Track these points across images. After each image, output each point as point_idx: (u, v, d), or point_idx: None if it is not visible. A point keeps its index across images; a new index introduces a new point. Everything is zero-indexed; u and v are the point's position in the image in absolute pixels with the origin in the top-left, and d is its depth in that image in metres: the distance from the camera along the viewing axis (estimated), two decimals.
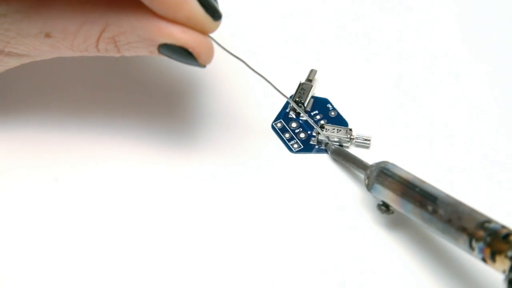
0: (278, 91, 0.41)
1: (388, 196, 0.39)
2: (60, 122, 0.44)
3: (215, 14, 0.37)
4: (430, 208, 0.36)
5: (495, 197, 0.42)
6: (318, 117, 0.45)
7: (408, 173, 0.39)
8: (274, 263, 0.40)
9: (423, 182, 0.38)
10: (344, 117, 0.45)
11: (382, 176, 0.39)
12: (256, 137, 0.44)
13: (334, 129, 0.44)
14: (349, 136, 0.44)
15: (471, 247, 0.35)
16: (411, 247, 0.40)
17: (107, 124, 0.44)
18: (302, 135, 0.44)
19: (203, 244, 0.40)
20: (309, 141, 0.44)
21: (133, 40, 0.37)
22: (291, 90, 0.45)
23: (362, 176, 0.41)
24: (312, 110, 0.45)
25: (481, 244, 0.34)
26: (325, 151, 0.44)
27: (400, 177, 0.38)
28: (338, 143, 0.44)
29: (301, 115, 0.45)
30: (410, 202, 0.37)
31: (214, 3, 0.37)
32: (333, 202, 0.42)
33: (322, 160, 0.43)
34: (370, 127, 0.44)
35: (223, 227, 0.41)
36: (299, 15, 0.49)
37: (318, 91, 0.46)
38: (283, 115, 0.45)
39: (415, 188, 0.38)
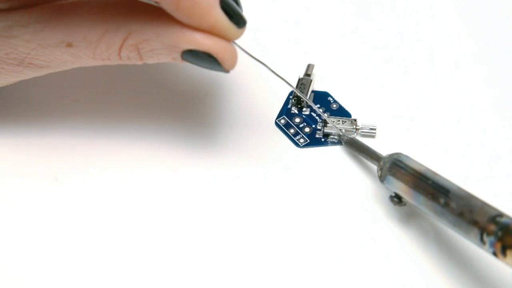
0: (286, 81, 0.41)
1: (401, 188, 0.39)
2: (60, 122, 0.44)
3: (240, 22, 0.37)
4: (442, 200, 0.36)
5: (504, 188, 0.42)
6: (320, 110, 0.45)
7: (421, 165, 0.39)
8: (287, 259, 0.39)
9: (436, 174, 0.38)
10: (346, 109, 0.45)
11: (395, 167, 0.39)
12: (261, 136, 0.44)
13: (339, 121, 0.44)
14: (354, 126, 0.43)
15: (482, 241, 0.35)
16: (423, 241, 0.40)
17: (107, 124, 0.44)
18: (307, 129, 0.44)
19: (214, 243, 0.40)
20: (315, 135, 0.44)
21: (156, 47, 0.37)
22: (290, 87, 0.45)
23: (374, 167, 0.41)
24: (314, 104, 0.45)
25: (492, 238, 0.34)
26: (333, 143, 0.44)
27: (413, 169, 0.38)
28: (344, 135, 0.43)
29: (304, 109, 0.45)
30: (422, 194, 0.37)
31: (239, 9, 0.37)
32: (345, 195, 0.42)
33: (331, 153, 0.43)
34: (373, 117, 0.44)
35: (235, 226, 0.40)
36: (294, 11, 0.49)
37: (317, 85, 0.46)
38: (285, 111, 0.45)
39: (428, 180, 0.37)
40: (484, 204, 0.35)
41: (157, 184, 0.42)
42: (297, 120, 0.44)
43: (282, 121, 0.44)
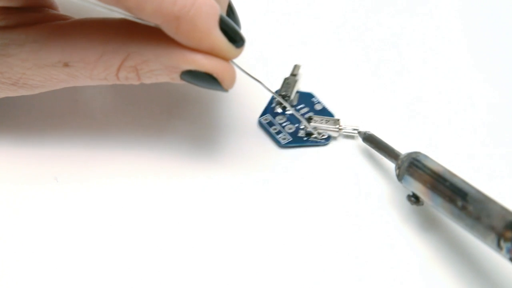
0: (267, 88, 0.41)
1: (418, 188, 0.38)
2: (60, 122, 0.44)
3: (238, 41, 0.37)
4: (459, 203, 0.36)
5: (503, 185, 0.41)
6: (304, 110, 0.45)
7: (439, 165, 0.38)
8: (290, 262, 0.39)
9: (454, 176, 0.37)
10: (330, 110, 0.45)
11: (412, 167, 0.39)
12: (243, 134, 0.44)
13: (322, 120, 0.43)
14: (337, 126, 0.43)
15: (499, 247, 0.34)
16: (440, 245, 0.39)
17: (106, 124, 0.44)
18: (289, 129, 0.44)
19: (207, 249, 0.39)
20: (297, 134, 0.44)
21: (155, 68, 0.37)
22: (275, 86, 0.45)
23: (393, 165, 0.41)
24: (298, 104, 0.45)
25: (509, 244, 0.34)
26: (315, 142, 0.43)
27: (431, 170, 0.38)
28: (326, 134, 0.43)
29: (287, 109, 0.45)
30: (440, 196, 0.37)
31: (237, 28, 0.37)
32: (330, 195, 0.41)
33: (315, 153, 0.43)
34: (356, 119, 0.44)
35: (221, 230, 0.40)
36: (283, 11, 0.50)
37: (302, 86, 0.46)
38: (269, 110, 0.45)
39: (445, 182, 0.37)
40: (502, 209, 0.35)
41: (154, 186, 0.41)
42: (281, 119, 0.44)
43: (266, 119, 0.44)
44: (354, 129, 0.43)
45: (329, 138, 0.44)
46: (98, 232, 0.40)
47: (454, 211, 0.36)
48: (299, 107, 0.45)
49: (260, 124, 0.44)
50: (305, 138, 0.44)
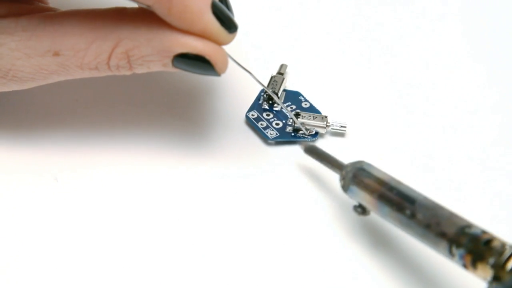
0: (257, 80, 0.41)
1: (365, 198, 0.37)
2: (60, 121, 0.43)
3: (231, 27, 0.37)
4: (408, 212, 0.35)
5: (473, 196, 0.41)
6: (291, 108, 0.45)
7: (385, 174, 0.37)
8: (268, 254, 0.39)
9: (400, 183, 0.36)
10: (317, 108, 0.45)
11: (358, 177, 0.38)
12: (231, 129, 0.44)
13: (310, 116, 0.43)
14: (325, 123, 0.43)
15: (451, 253, 0.33)
16: (390, 246, 0.39)
17: (106, 124, 0.43)
18: (277, 124, 0.44)
19: (193, 245, 0.39)
20: (285, 129, 0.44)
21: (147, 53, 0.37)
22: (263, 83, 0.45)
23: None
24: (285, 102, 0.45)
25: (461, 250, 0.33)
26: (304, 138, 0.43)
27: (377, 178, 0.37)
28: (314, 131, 0.43)
29: (275, 105, 0.45)
30: (387, 205, 0.36)
31: (230, 14, 0.37)
32: (311, 195, 0.41)
33: (298, 150, 0.43)
34: (343, 118, 0.44)
35: (206, 225, 0.40)
36: (271, 10, 0.50)
37: (289, 85, 0.46)
38: (256, 105, 0.45)
39: (392, 190, 0.36)
40: (451, 215, 0.34)
41: (153, 183, 0.42)
42: (268, 115, 0.44)
43: (253, 115, 0.44)
44: (342, 126, 0.43)
45: (316, 135, 0.43)
46: (98, 232, 0.40)
47: (403, 220, 0.35)
48: (286, 104, 0.45)
49: (248, 119, 0.44)
50: (292, 134, 0.43)
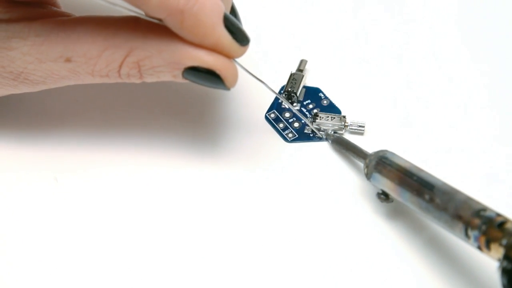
0: (269, 88, 0.41)
1: (387, 185, 0.39)
2: (60, 122, 0.44)
3: (243, 40, 0.37)
4: (427, 196, 0.37)
5: (490, 183, 0.42)
6: (310, 106, 0.45)
7: (406, 161, 0.39)
8: (274, 256, 0.40)
9: (421, 170, 0.38)
10: (336, 105, 0.45)
11: (380, 164, 0.39)
12: (251, 129, 0.44)
13: (328, 116, 0.44)
14: (343, 123, 0.44)
15: (467, 235, 0.35)
16: (410, 237, 0.40)
17: (106, 124, 0.44)
18: (296, 125, 0.44)
19: (206, 243, 0.40)
20: (304, 130, 0.44)
21: (158, 64, 0.37)
22: (282, 81, 0.46)
23: (361, 165, 0.41)
24: (304, 99, 0.45)
25: (476, 232, 0.34)
26: (321, 139, 0.44)
27: (398, 166, 0.39)
28: (333, 131, 0.44)
29: (294, 104, 0.45)
30: (408, 190, 0.38)
31: (242, 27, 0.37)
32: (332, 191, 0.42)
33: (320, 149, 0.43)
34: (363, 115, 0.44)
35: (223, 224, 0.41)
36: (290, 5, 0.49)
37: (309, 81, 0.46)
38: (276, 105, 0.45)
39: (413, 176, 0.38)
40: (468, 199, 0.35)
41: (156, 184, 0.42)
42: (287, 114, 0.45)
43: (272, 115, 0.45)
44: (360, 126, 0.44)
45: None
46: (98, 231, 0.40)
47: (422, 204, 0.37)
48: (305, 102, 0.45)
49: (267, 119, 0.45)
50: (311, 135, 0.44)
